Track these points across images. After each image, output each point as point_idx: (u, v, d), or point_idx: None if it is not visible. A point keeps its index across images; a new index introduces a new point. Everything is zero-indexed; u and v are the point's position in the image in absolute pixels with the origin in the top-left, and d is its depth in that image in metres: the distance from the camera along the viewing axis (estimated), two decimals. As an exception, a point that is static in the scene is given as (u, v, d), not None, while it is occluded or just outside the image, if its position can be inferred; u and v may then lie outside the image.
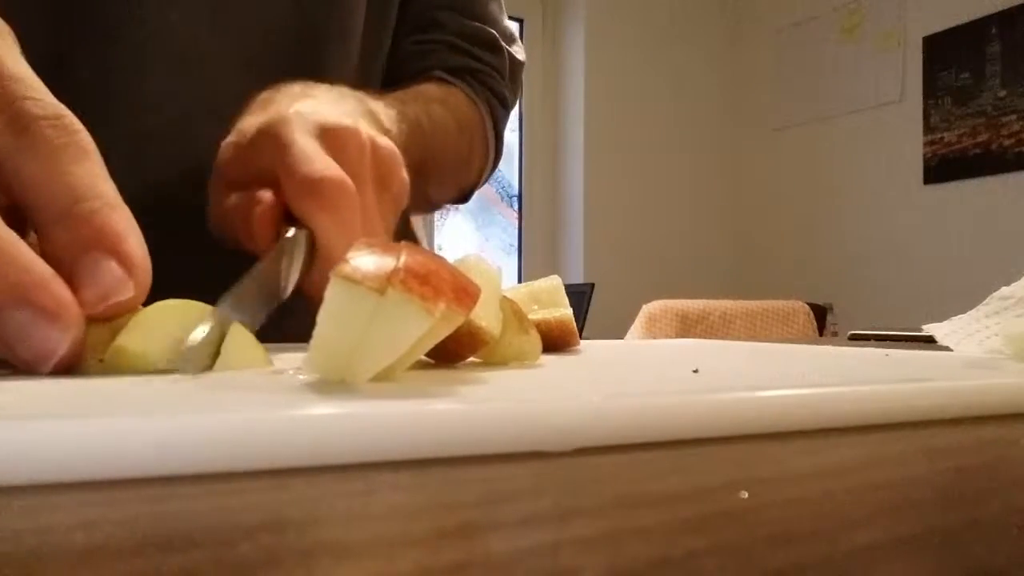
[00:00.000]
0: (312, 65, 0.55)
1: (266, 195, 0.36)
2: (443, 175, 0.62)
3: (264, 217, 0.36)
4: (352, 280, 0.21)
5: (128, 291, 0.25)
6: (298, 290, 0.35)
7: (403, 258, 0.21)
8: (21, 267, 0.23)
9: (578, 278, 2.84)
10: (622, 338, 1.97)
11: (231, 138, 0.39)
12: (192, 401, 0.19)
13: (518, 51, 0.70)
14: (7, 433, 0.14)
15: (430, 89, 0.60)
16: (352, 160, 0.37)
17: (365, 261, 0.21)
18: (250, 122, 0.39)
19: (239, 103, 0.42)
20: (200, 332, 0.24)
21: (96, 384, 0.22)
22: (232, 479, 0.14)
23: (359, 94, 0.47)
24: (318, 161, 0.36)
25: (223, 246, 0.38)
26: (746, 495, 0.13)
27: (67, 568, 0.09)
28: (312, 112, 0.39)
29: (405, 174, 0.42)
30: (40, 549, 0.10)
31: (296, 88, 0.43)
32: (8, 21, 0.28)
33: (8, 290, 0.22)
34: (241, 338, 0.27)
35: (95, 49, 0.47)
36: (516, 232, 3.07)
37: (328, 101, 0.43)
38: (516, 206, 3.08)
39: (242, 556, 0.10)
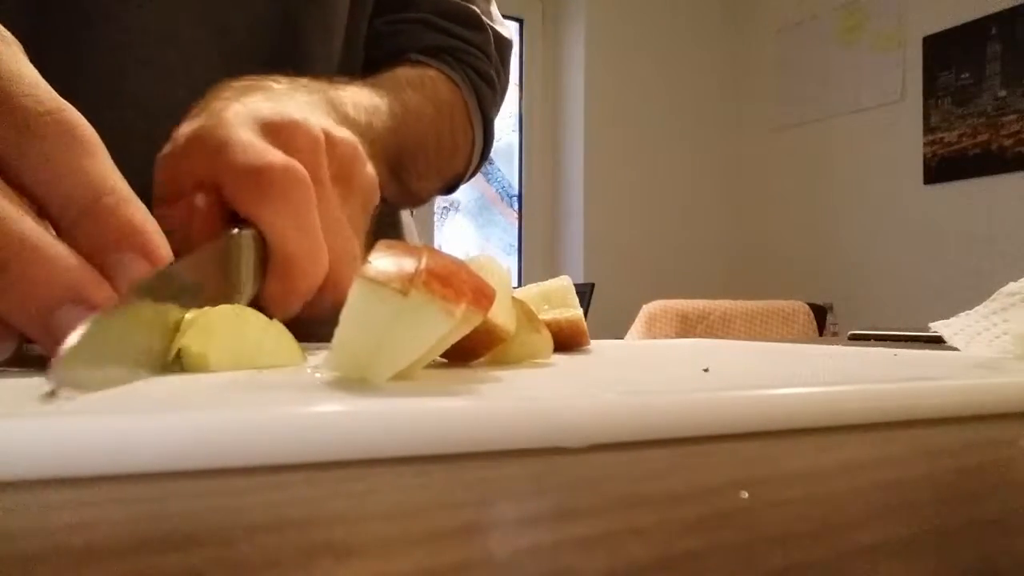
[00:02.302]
0: (295, 57, 0.53)
1: (198, 201, 0.32)
2: (426, 164, 0.57)
3: (202, 227, 0.31)
4: (376, 281, 0.21)
5: None
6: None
7: (425, 260, 0.22)
8: (72, 266, 0.23)
9: (578, 278, 2.84)
10: (622, 338, 1.97)
11: (165, 150, 0.35)
12: (198, 398, 0.19)
13: (503, 29, 0.65)
14: (7, 430, 0.14)
15: (404, 73, 0.55)
16: (303, 156, 0.33)
17: (387, 263, 0.22)
18: (183, 130, 0.35)
19: None
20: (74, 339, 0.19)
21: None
22: (232, 478, 0.14)
23: (320, 84, 0.43)
24: (260, 150, 0.32)
25: None
26: (746, 495, 0.13)
27: (67, 568, 0.09)
28: (252, 109, 0.35)
29: (370, 168, 0.38)
30: (40, 549, 0.10)
31: (243, 83, 0.39)
32: None
33: (64, 288, 0.23)
34: (278, 336, 0.28)
35: (73, 50, 0.46)
36: (516, 232, 3.07)
37: (278, 95, 0.39)
38: (516, 206, 3.08)
39: (242, 556, 0.10)
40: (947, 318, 0.41)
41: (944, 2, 2.60)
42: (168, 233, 0.32)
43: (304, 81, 0.42)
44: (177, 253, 0.30)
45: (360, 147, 0.38)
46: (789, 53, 3.07)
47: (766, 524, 0.12)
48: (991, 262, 2.40)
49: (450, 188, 0.65)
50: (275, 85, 0.40)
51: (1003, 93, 2.45)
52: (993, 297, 0.39)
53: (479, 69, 0.61)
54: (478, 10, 0.62)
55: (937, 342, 0.62)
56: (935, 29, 2.62)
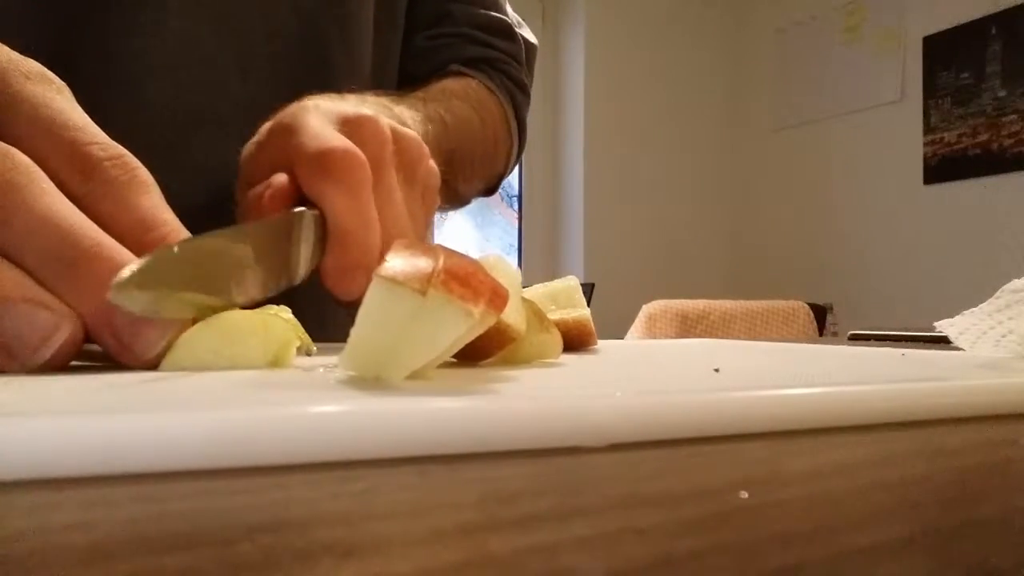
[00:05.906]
0: (317, 70, 0.55)
1: (278, 178, 0.35)
2: (471, 169, 0.61)
3: (274, 198, 0.35)
4: (394, 281, 0.21)
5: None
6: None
7: (442, 260, 0.22)
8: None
9: (578, 278, 2.84)
10: (622, 338, 1.97)
11: (253, 139, 0.39)
12: (202, 397, 0.19)
13: (529, 35, 0.70)
14: (7, 429, 0.14)
15: (449, 85, 0.60)
16: (371, 146, 0.36)
17: (405, 262, 0.22)
18: (267, 123, 0.39)
19: (241, 109, 0.42)
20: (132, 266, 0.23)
21: (108, 380, 0.22)
22: (233, 478, 0.14)
23: (381, 99, 0.47)
24: (327, 136, 0.35)
25: None
26: (746, 495, 0.13)
27: (67, 568, 0.09)
28: (332, 106, 0.38)
29: (432, 163, 0.41)
30: (40, 549, 0.10)
31: (321, 95, 0.43)
32: (10, 34, 0.29)
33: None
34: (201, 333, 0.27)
35: (96, 58, 0.46)
36: (516, 232, 3.07)
37: (350, 102, 0.43)
38: (516, 206, 3.08)
39: (242, 556, 0.10)
40: (947, 318, 0.41)
41: (944, 2, 2.60)
42: (247, 213, 0.36)
43: (366, 96, 0.47)
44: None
45: (424, 144, 0.41)
46: (789, 53, 3.07)
47: (766, 524, 0.12)
48: (991, 262, 2.40)
49: (491, 189, 0.70)
50: (344, 96, 0.44)
51: (1003, 93, 2.45)
52: (997, 294, 0.39)
53: (513, 77, 0.67)
54: (509, 20, 0.67)
55: (936, 342, 0.62)
56: (935, 29, 2.62)
